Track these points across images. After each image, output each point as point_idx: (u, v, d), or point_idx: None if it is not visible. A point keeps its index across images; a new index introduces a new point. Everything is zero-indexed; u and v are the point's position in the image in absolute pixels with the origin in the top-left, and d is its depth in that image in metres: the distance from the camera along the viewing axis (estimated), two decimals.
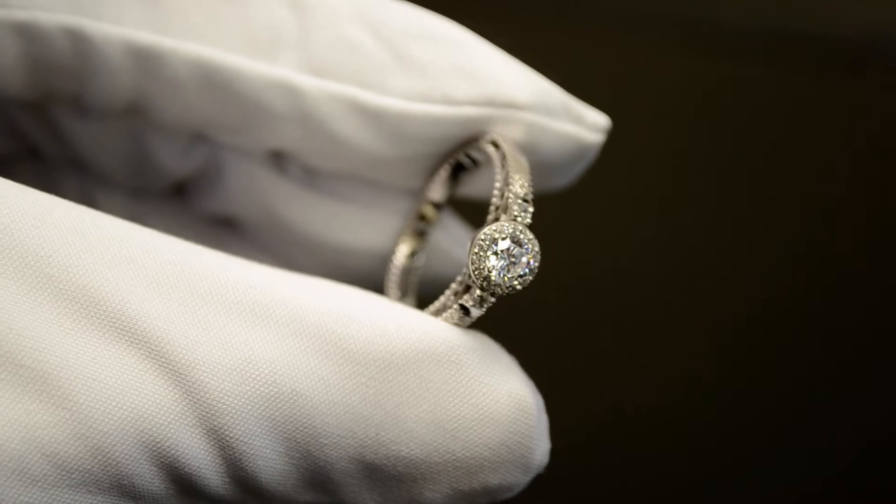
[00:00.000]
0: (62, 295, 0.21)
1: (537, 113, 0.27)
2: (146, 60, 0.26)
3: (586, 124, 0.27)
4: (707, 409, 0.59)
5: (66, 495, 0.21)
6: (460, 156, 0.27)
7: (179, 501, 0.22)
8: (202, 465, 0.22)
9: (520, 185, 0.24)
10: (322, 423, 0.22)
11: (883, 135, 0.60)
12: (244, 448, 0.22)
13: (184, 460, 0.22)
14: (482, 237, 0.23)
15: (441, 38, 0.27)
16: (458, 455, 0.23)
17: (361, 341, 0.22)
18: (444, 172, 0.28)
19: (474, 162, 0.28)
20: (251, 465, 0.22)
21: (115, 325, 0.21)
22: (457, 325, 0.24)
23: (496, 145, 0.26)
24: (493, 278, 0.23)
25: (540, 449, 0.24)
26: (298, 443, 0.22)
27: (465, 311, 0.23)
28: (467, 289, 0.24)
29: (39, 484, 0.21)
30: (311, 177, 0.29)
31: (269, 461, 0.22)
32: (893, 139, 0.60)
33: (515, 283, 0.23)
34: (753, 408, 0.59)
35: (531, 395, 0.23)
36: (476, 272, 0.23)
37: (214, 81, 0.26)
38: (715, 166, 0.60)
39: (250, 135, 0.27)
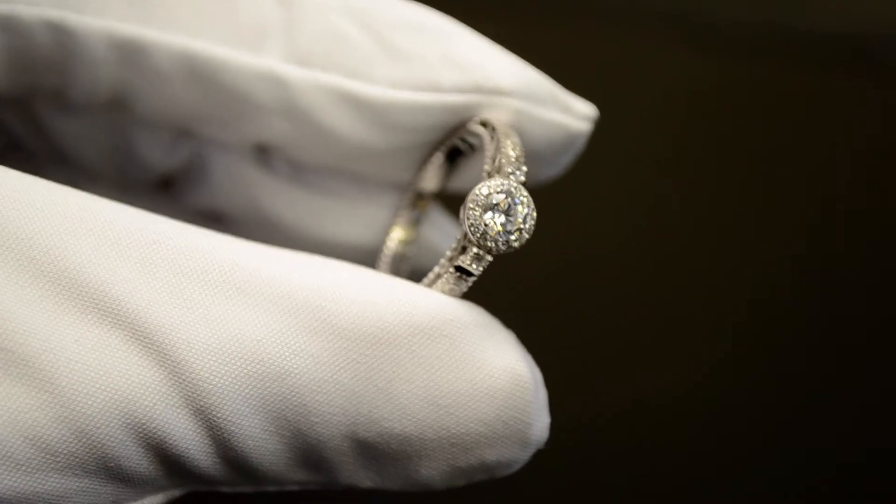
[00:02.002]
0: (45, 277, 0.21)
1: (524, 100, 0.26)
2: (130, 53, 0.26)
3: (573, 113, 0.27)
4: (707, 409, 0.59)
5: (52, 479, 0.21)
6: (454, 140, 0.27)
7: (169, 482, 0.22)
8: (190, 446, 0.22)
9: (511, 148, 0.24)
10: (312, 400, 0.22)
11: (883, 135, 0.60)
12: (233, 428, 0.22)
13: (171, 441, 0.21)
14: (476, 192, 0.23)
15: (427, 28, 0.27)
16: (453, 431, 0.22)
17: (351, 317, 0.22)
18: (438, 159, 0.28)
19: (470, 146, 0.27)
20: (241, 444, 0.22)
21: (99, 306, 0.21)
22: (452, 289, 0.23)
23: (485, 124, 0.26)
24: (489, 233, 0.22)
25: (538, 424, 0.23)
26: (289, 421, 0.22)
27: (461, 272, 0.23)
28: (463, 250, 0.23)
29: (24, 468, 0.21)
30: (298, 172, 0.29)
31: (259, 441, 0.22)
32: (893, 139, 0.60)
33: (512, 238, 0.22)
34: (753, 408, 0.59)
35: (527, 368, 0.23)
36: (472, 228, 0.22)
37: (199, 73, 0.26)
38: (715, 165, 0.60)
39: (236, 128, 0.27)
